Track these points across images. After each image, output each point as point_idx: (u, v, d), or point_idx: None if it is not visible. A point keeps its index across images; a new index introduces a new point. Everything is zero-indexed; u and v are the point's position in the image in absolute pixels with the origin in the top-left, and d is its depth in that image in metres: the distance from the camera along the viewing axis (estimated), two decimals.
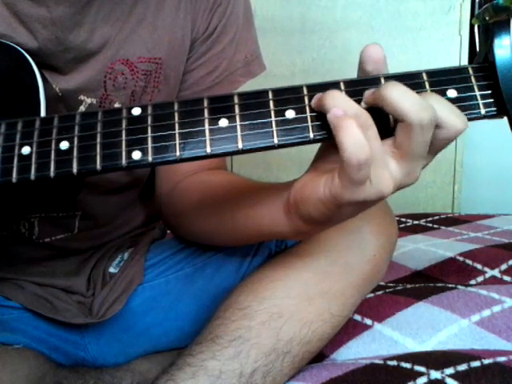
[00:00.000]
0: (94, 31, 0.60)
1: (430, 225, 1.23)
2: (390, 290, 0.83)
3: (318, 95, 0.44)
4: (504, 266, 0.94)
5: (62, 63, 0.60)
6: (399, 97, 0.41)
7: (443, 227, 1.21)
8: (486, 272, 0.93)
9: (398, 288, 0.84)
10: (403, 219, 1.27)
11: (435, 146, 0.44)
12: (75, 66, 0.61)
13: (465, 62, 1.75)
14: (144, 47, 0.64)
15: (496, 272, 0.92)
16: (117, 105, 0.65)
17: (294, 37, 1.83)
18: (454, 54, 1.77)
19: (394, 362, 0.61)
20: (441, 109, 0.42)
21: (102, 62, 0.62)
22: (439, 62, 1.77)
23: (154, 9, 0.65)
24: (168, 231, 0.87)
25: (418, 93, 0.42)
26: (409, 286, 0.86)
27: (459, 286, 0.81)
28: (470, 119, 0.45)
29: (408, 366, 0.60)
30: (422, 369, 0.59)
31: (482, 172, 1.88)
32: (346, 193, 0.43)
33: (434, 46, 1.78)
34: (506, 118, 0.46)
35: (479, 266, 0.94)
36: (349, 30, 1.81)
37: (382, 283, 0.87)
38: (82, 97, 0.62)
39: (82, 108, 0.63)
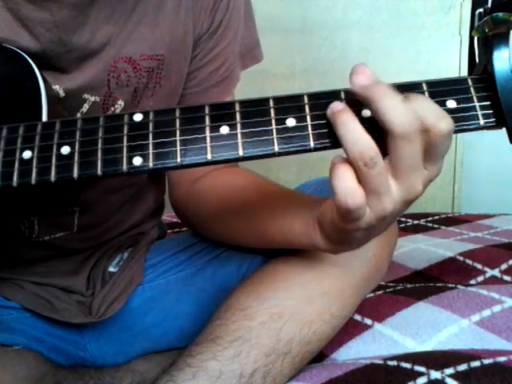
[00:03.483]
0: (96, 31, 0.60)
1: (430, 224, 1.23)
2: (390, 289, 0.83)
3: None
4: (504, 266, 0.94)
5: (66, 63, 0.60)
6: (388, 107, 0.41)
7: (443, 227, 1.21)
8: (486, 272, 0.92)
9: (398, 288, 0.84)
10: (403, 219, 1.27)
11: (429, 152, 0.43)
12: (78, 65, 0.61)
13: (465, 61, 1.74)
14: (146, 45, 0.65)
15: (496, 272, 0.92)
16: (120, 102, 0.65)
17: (294, 37, 1.82)
18: (454, 53, 1.76)
19: (394, 362, 0.61)
20: (425, 112, 0.42)
21: (105, 60, 0.62)
22: (439, 62, 1.76)
23: (155, 6, 0.65)
24: (169, 230, 0.87)
25: None
26: (409, 285, 0.86)
27: (459, 286, 0.81)
28: (469, 130, 0.45)
29: (408, 366, 0.60)
30: (422, 369, 0.59)
31: (482, 172, 1.87)
32: (344, 223, 0.45)
33: (434, 45, 1.77)
34: (504, 129, 0.46)
35: (479, 266, 0.94)
36: (349, 29, 1.80)
37: (382, 283, 0.87)
38: (85, 95, 0.63)
39: (86, 106, 0.63)
